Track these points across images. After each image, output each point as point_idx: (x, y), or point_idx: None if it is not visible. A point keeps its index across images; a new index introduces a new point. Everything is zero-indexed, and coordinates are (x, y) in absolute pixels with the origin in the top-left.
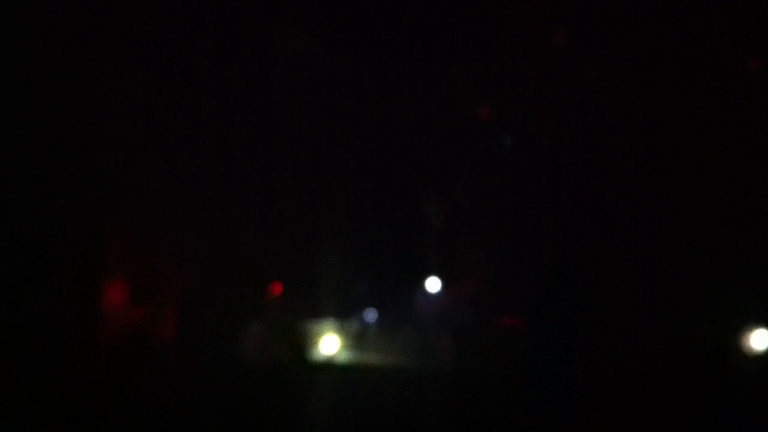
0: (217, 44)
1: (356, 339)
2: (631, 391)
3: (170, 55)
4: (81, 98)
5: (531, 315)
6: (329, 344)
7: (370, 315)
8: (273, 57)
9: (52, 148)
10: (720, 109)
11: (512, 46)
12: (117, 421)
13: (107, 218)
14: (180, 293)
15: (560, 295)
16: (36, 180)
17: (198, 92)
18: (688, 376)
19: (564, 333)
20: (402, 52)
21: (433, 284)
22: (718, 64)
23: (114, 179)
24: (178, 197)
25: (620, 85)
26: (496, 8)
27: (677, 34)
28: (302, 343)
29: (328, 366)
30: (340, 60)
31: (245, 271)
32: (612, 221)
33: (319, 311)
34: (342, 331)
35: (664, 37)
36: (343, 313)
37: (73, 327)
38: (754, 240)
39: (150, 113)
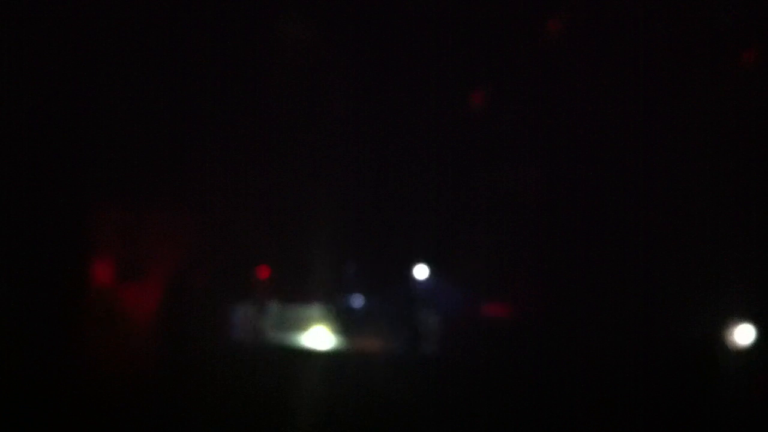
0: (204, 32)
1: (344, 324)
2: (617, 377)
3: (164, 44)
4: (76, 87)
5: (521, 304)
6: (318, 329)
7: (358, 300)
8: (262, 47)
9: (48, 135)
10: (709, 110)
11: (510, 41)
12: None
13: (98, 204)
14: (170, 275)
15: (553, 285)
16: (31, 168)
17: (188, 82)
18: (679, 371)
19: (553, 322)
20: (399, 47)
21: (421, 271)
22: (712, 61)
23: (106, 166)
24: (168, 182)
25: (615, 82)
26: (493, 5)
27: (673, 32)
28: (291, 327)
29: (317, 351)
30: (332, 52)
31: (234, 254)
32: (606, 215)
33: (306, 295)
34: (330, 316)
35: (660, 35)
36: (330, 298)
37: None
38: (747, 236)
39: (143, 102)
